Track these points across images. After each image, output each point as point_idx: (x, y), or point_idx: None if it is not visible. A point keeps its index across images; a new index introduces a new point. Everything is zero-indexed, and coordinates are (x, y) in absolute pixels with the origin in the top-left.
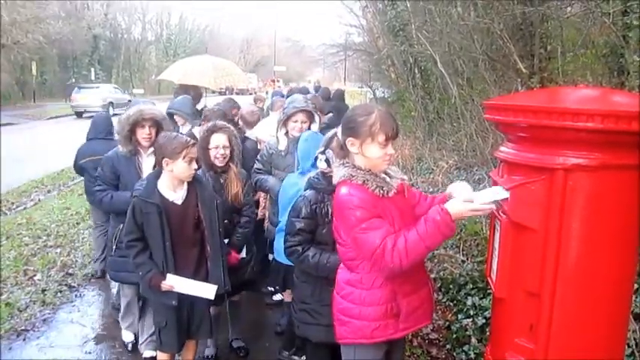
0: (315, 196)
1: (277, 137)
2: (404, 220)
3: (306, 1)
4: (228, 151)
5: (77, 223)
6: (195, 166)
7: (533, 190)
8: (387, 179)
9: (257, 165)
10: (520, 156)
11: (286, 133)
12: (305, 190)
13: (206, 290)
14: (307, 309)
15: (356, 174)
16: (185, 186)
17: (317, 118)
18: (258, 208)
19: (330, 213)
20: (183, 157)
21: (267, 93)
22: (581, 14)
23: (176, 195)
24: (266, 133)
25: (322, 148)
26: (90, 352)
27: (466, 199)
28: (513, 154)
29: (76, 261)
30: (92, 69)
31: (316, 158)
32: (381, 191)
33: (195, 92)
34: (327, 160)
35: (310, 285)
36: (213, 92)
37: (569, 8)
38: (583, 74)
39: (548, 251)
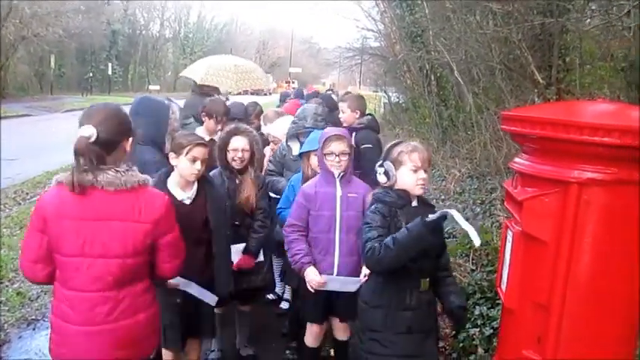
0: (387, 210)
1: (289, 145)
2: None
3: (323, 1)
4: (247, 155)
5: None
6: (198, 166)
7: (547, 203)
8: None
9: (269, 166)
10: (535, 168)
11: (297, 138)
12: (373, 205)
13: (208, 297)
14: (378, 338)
15: None
16: (195, 186)
17: None
18: None
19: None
20: (186, 154)
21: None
22: (601, 27)
23: (185, 194)
24: (282, 133)
25: (380, 161)
26: None
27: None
28: (528, 165)
29: None
30: (109, 64)
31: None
32: None
33: (217, 92)
34: (386, 173)
35: (382, 310)
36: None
37: (589, 20)
38: (600, 87)
39: (559, 264)
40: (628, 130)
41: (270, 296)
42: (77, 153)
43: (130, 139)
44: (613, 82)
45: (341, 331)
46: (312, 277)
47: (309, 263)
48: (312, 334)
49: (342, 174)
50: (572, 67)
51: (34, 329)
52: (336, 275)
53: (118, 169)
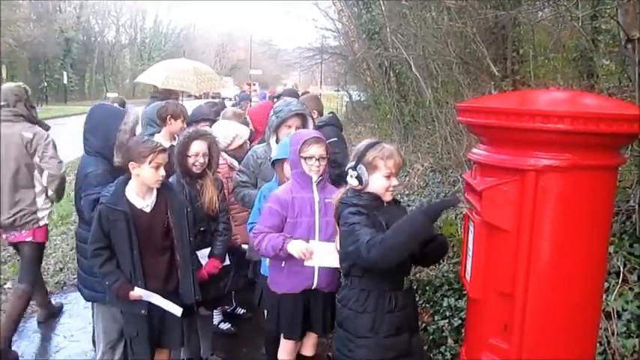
0: (365, 210)
1: (270, 145)
2: None
3: (281, 1)
4: (207, 159)
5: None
6: (162, 172)
7: (506, 192)
8: None
9: (241, 177)
10: (492, 157)
11: (277, 141)
12: (347, 208)
13: (173, 308)
14: (368, 344)
15: None
16: (154, 193)
17: (310, 122)
18: None
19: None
20: (150, 162)
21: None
22: (551, 18)
23: (145, 202)
24: (221, 137)
25: (353, 163)
26: None
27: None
28: (486, 155)
29: (48, 268)
30: (64, 72)
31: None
32: None
33: (173, 96)
34: (358, 177)
35: (369, 315)
36: (189, 96)
37: (540, 12)
38: (554, 77)
39: (521, 252)
40: (579, 116)
41: (217, 320)
42: None
43: None
44: (565, 72)
45: (310, 347)
46: (300, 247)
47: (289, 238)
48: (286, 350)
49: (319, 178)
50: (526, 59)
51: None
52: (317, 282)
53: None
